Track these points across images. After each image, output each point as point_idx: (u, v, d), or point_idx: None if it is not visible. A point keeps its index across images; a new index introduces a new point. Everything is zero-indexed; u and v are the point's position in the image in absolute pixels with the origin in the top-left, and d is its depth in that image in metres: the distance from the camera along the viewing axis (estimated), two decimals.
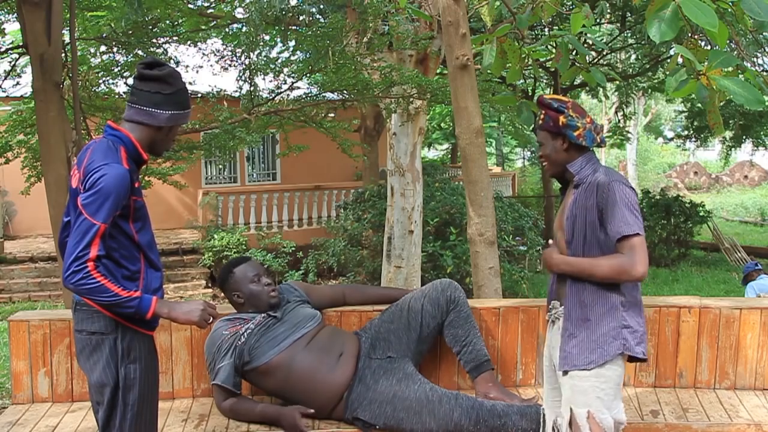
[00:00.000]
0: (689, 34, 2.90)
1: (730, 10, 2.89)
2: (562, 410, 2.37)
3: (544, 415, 2.57)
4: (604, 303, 2.28)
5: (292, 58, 7.23)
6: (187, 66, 7.33)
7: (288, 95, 6.75)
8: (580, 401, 2.29)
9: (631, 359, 2.35)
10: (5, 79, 6.44)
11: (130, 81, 6.18)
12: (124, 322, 2.14)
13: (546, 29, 11.81)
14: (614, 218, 2.20)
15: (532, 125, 5.44)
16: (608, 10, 11.33)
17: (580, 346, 2.29)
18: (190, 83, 6.94)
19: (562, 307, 2.40)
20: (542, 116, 2.40)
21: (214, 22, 7.87)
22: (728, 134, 15.30)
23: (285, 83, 6.59)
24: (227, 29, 7.81)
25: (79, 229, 2.03)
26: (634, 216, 2.20)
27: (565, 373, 2.33)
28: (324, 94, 6.96)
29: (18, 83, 6.66)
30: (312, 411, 2.89)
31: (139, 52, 6.55)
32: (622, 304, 2.29)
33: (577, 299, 2.32)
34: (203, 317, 2.21)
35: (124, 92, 6.76)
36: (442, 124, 21.19)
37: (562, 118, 2.33)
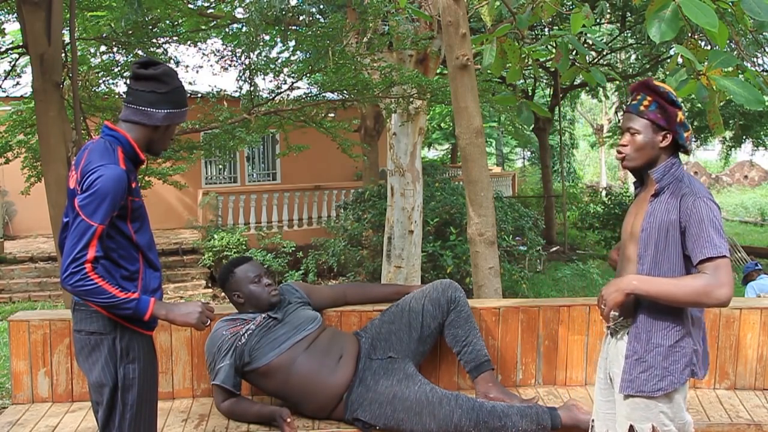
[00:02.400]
0: (689, 34, 2.90)
1: (730, 10, 2.89)
2: (618, 426, 2.22)
3: (593, 426, 2.42)
4: (678, 326, 2.11)
5: (292, 58, 7.23)
6: (187, 66, 7.33)
7: (288, 95, 6.74)
8: (641, 417, 2.15)
9: None
10: (5, 79, 6.43)
11: None
12: (122, 322, 2.14)
13: (546, 29, 11.83)
14: (699, 238, 2.04)
15: (532, 125, 5.46)
16: (608, 10, 11.34)
17: (650, 372, 2.12)
18: (190, 83, 6.99)
19: (622, 318, 2.22)
20: (646, 103, 2.14)
21: (214, 22, 7.86)
22: (728, 134, 15.33)
23: (285, 83, 6.58)
24: (227, 29, 7.80)
25: (76, 231, 2.03)
26: (720, 236, 2.04)
27: (627, 396, 2.17)
28: (324, 94, 6.96)
29: (18, 83, 6.66)
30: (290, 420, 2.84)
31: (139, 52, 6.55)
32: (693, 325, 2.14)
33: (649, 320, 2.14)
34: (201, 319, 2.21)
35: (124, 92, 6.74)
36: (442, 124, 21.21)
37: (680, 115, 2.11)
